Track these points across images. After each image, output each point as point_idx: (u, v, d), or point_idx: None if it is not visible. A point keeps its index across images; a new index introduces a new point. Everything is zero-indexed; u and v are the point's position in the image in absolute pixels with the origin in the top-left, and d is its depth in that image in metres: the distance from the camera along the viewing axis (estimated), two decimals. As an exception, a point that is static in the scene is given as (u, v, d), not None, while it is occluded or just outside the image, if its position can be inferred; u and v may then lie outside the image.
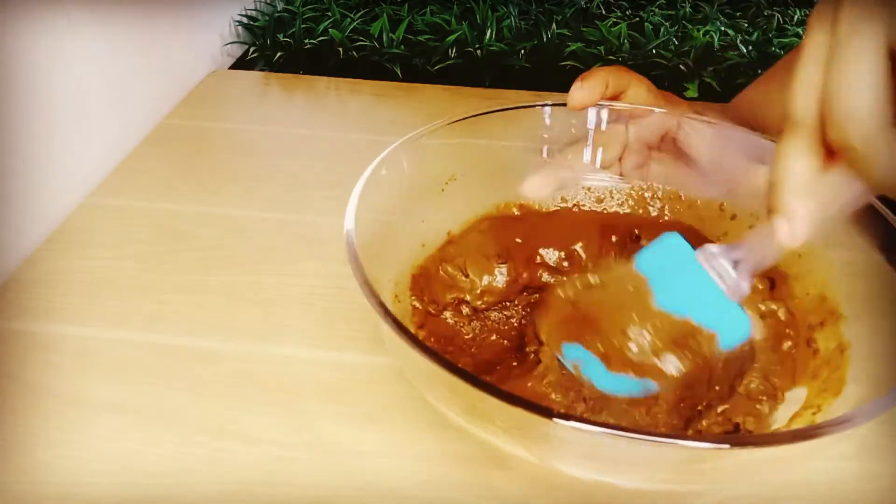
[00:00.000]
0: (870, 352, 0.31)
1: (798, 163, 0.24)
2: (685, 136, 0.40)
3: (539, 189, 0.40)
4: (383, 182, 0.35)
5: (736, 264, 0.29)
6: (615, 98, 0.40)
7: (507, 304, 0.38)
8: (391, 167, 0.35)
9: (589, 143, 0.42)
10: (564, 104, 0.40)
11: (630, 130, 0.41)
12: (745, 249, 0.29)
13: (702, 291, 0.29)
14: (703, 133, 0.40)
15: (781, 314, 0.35)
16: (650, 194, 0.41)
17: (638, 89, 0.40)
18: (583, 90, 0.38)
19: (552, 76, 0.72)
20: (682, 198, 0.41)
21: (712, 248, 0.30)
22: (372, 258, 0.30)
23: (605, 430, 0.22)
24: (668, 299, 0.30)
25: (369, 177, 0.34)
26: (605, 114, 0.41)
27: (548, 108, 0.40)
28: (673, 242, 0.31)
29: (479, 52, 0.72)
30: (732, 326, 0.30)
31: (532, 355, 0.34)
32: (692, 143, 0.40)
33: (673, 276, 0.30)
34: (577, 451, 0.26)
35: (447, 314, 0.37)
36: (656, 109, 0.41)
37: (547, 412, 0.23)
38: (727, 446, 0.23)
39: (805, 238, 0.25)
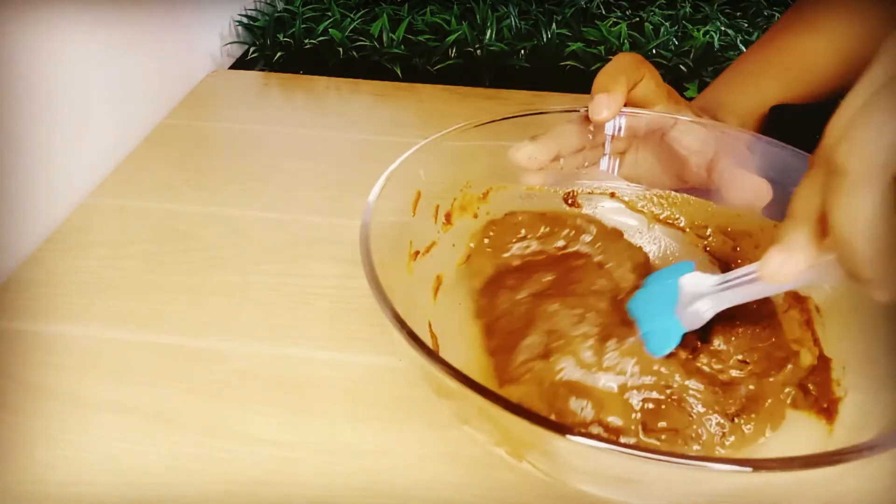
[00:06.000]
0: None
1: (799, 254, 0.26)
2: (678, 135, 0.40)
3: (528, 158, 0.39)
4: (398, 187, 0.35)
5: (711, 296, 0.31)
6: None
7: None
8: (406, 173, 0.35)
9: (606, 151, 0.42)
10: (581, 109, 0.39)
11: (623, 118, 0.41)
12: (725, 285, 0.31)
13: (660, 304, 0.33)
14: (695, 133, 0.40)
15: None
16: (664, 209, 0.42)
17: (648, 83, 0.40)
18: (609, 106, 0.38)
19: (552, 76, 0.72)
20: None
21: (694, 277, 0.32)
22: (385, 265, 0.30)
23: (617, 448, 0.22)
24: (635, 302, 0.34)
25: (384, 183, 0.34)
26: (623, 121, 0.41)
27: (564, 115, 0.40)
28: (681, 266, 0.34)
29: (479, 52, 0.72)
30: (660, 340, 0.32)
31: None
32: (682, 142, 0.40)
33: (656, 285, 0.34)
34: (587, 467, 0.26)
35: None
36: (665, 115, 0.41)
37: (562, 428, 0.23)
38: (749, 470, 0.22)
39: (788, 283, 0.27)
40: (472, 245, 0.40)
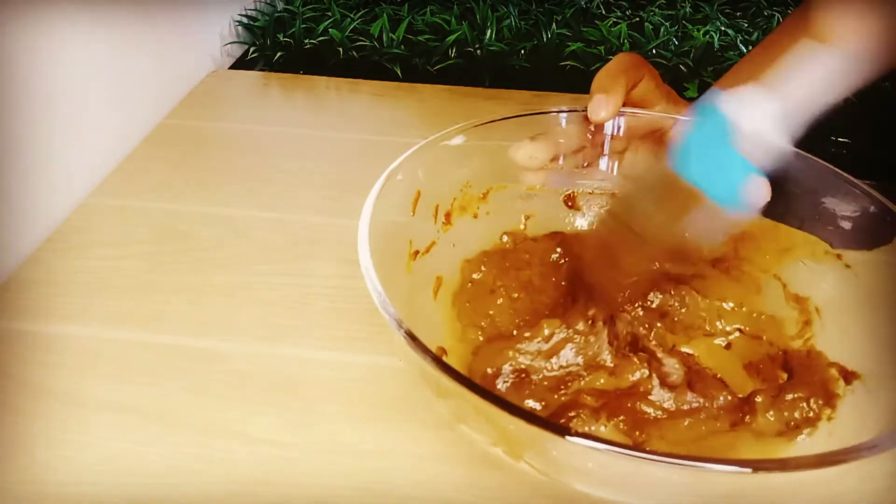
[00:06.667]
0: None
1: None
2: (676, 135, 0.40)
3: (528, 158, 0.39)
4: (397, 188, 0.35)
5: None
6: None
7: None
8: (406, 173, 0.35)
9: (606, 151, 0.42)
10: (581, 110, 0.39)
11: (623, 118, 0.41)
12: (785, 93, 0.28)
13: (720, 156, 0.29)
14: None
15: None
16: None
17: (648, 83, 0.40)
18: (607, 107, 0.38)
19: (552, 76, 0.72)
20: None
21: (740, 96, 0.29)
22: (385, 266, 0.30)
23: (619, 450, 0.22)
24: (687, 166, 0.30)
25: (383, 183, 0.34)
26: (623, 121, 0.41)
27: (564, 115, 0.40)
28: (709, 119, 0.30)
29: (479, 52, 0.72)
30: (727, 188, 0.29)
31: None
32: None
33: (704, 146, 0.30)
34: (586, 467, 0.26)
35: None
36: (664, 115, 0.41)
37: (561, 430, 0.23)
38: (749, 470, 0.22)
39: None
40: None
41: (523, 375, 0.34)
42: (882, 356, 0.32)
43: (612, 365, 0.35)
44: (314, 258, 0.46)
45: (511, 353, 0.34)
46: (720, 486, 0.24)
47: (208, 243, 0.47)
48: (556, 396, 0.33)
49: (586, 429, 0.31)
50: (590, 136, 0.41)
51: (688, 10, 0.84)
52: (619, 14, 0.83)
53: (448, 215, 0.39)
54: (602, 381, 0.34)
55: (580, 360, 0.34)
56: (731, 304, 0.38)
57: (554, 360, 0.34)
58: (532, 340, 0.34)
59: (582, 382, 0.34)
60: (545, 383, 0.34)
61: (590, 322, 0.35)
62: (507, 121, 0.40)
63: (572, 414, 0.31)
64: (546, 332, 0.35)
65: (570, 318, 0.35)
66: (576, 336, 0.35)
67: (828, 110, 0.28)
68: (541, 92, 0.69)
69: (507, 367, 0.34)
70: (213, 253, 0.46)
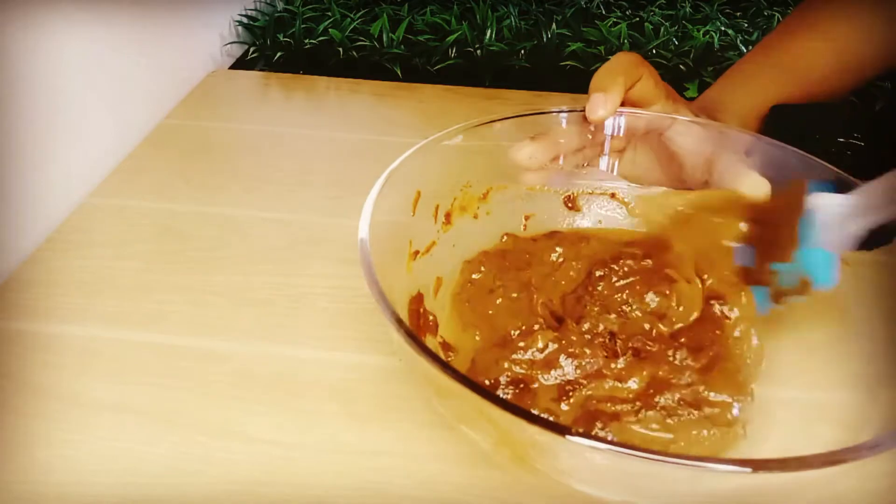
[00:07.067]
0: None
1: None
2: (673, 135, 0.40)
3: (528, 158, 0.39)
4: (397, 188, 0.35)
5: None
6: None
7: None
8: (406, 173, 0.35)
9: (605, 151, 0.42)
10: (582, 110, 0.39)
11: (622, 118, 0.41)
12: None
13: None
14: (693, 133, 0.40)
15: None
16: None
17: (647, 82, 0.40)
18: (605, 105, 0.38)
19: (552, 76, 0.72)
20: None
21: (829, 200, 0.33)
22: (385, 265, 0.30)
23: (619, 450, 0.22)
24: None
25: (383, 183, 0.34)
26: (622, 121, 0.41)
27: (564, 115, 0.40)
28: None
29: (479, 52, 0.72)
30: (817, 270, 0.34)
31: None
32: (679, 141, 0.40)
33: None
34: (586, 467, 0.26)
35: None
36: (664, 115, 0.41)
37: (561, 429, 0.23)
38: (749, 470, 0.22)
39: None
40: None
41: (521, 385, 0.34)
42: (880, 355, 0.32)
43: (614, 371, 0.34)
44: (314, 258, 0.46)
45: (506, 363, 0.34)
46: (720, 486, 0.24)
47: (208, 243, 0.47)
48: (560, 406, 0.33)
49: (635, 428, 0.31)
50: (590, 136, 0.41)
51: (688, 10, 0.84)
52: (619, 14, 0.83)
53: (448, 215, 0.39)
54: (608, 385, 0.33)
55: (578, 371, 0.34)
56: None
57: (553, 371, 0.34)
58: (527, 350, 0.34)
59: (584, 391, 0.33)
60: (547, 394, 0.33)
61: (584, 333, 0.35)
62: (507, 121, 0.40)
63: (600, 424, 0.31)
64: (540, 344, 0.35)
65: (563, 329, 0.35)
66: (570, 347, 0.35)
67: (829, 110, 0.28)
68: (541, 92, 0.69)
69: (503, 378, 0.34)
70: (212, 253, 0.46)
